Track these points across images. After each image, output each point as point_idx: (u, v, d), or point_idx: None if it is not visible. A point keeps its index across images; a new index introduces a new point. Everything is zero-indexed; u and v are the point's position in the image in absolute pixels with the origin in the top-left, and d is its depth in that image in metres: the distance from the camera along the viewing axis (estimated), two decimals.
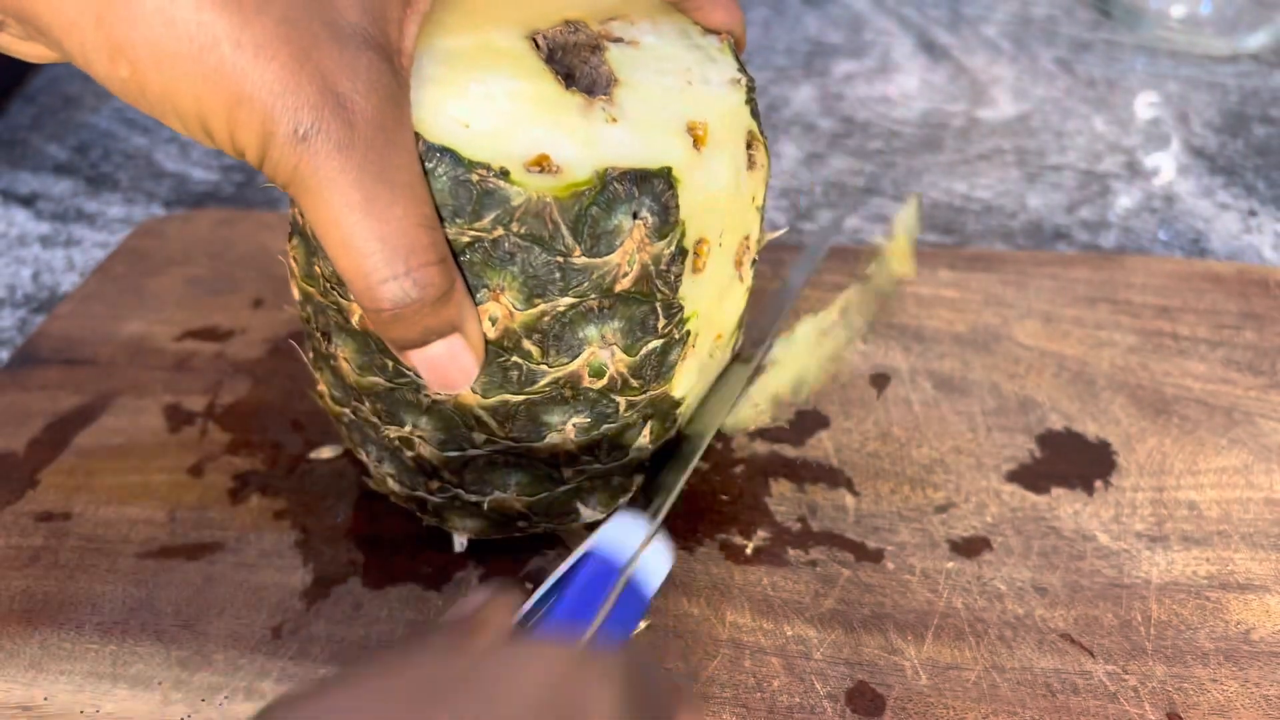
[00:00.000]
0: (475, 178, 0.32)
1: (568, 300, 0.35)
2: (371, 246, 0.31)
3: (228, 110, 0.30)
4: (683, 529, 0.46)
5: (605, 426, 0.39)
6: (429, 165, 0.32)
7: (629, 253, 0.35)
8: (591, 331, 0.36)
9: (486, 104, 0.33)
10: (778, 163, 0.71)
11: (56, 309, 0.59)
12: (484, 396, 0.37)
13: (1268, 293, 0.56)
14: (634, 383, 0.38)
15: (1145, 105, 0.75)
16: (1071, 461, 0.48)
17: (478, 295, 0.34)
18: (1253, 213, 0.66)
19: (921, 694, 0.39)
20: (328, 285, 0.37)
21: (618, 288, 0.35)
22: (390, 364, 0.38)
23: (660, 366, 0.38)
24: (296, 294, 0.41)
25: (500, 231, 0.33)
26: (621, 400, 0.38)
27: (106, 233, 0.70)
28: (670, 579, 0.43)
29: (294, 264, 0.40)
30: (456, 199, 0.33)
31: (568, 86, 0.35)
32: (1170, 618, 0.42)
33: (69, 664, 0.41)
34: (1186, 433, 0.49)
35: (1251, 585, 0.43)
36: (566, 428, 0.38)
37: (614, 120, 0.34)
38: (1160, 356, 0.53)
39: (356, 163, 0.30)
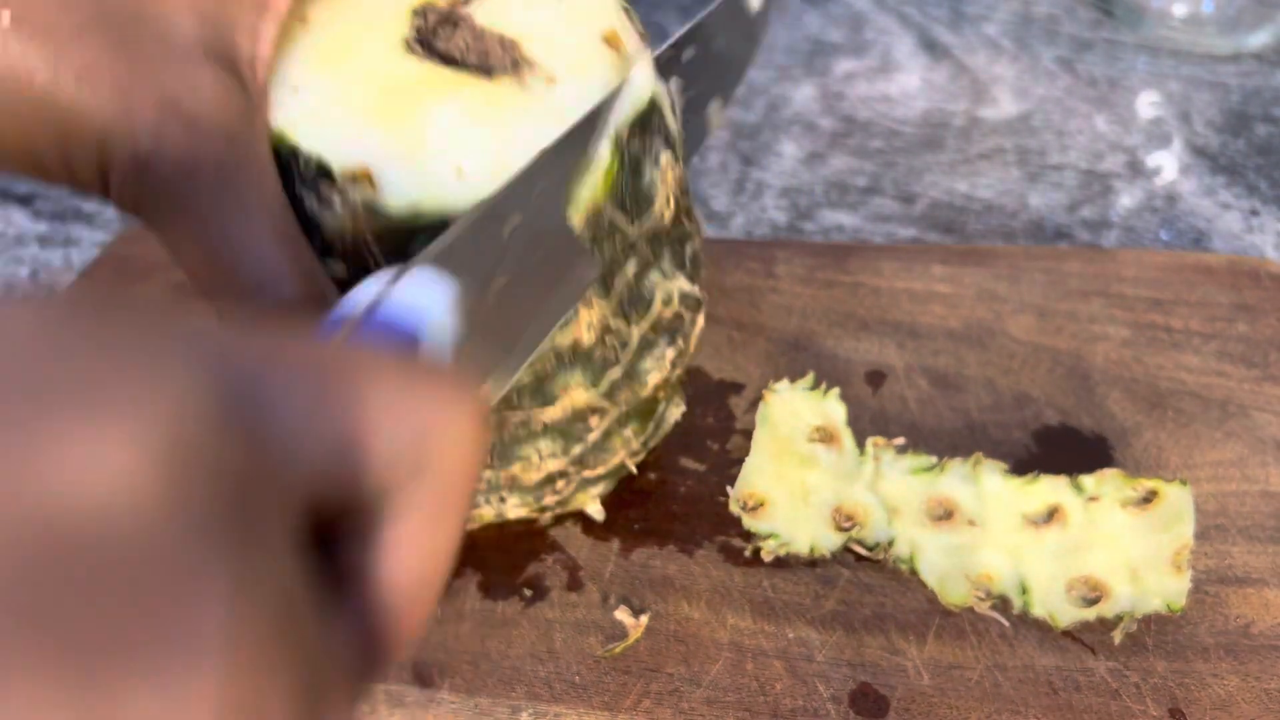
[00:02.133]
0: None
1: (633, 266, 0.37)
2: (223, 270, 0.29)
3: (59, 145, 0.28)
4: (681, 532, 0.45)
5: (678, 342, 0.41)
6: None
7: (664, 196, 0.36)
8: (655, 275, 0.38)
9: (457, 141, 0.32)
10: (778, 161, 0.71)
11: None
12: (594, 387, 0.38)
13: (1259, 284, 0.56)
14: (690, 290, 0.41)
15: (1147, 104, 0.74)
16: (1068, 456, 0.48)
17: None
18: (1255, 212, 0.66)
19: (924, 694, 0.39)
20: None
21: (662, 230, 0.37)
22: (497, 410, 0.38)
23: (696, 264, 0.42)
24: None
25: None
26: (685, 313, 0.41)
27: (104, 232, 0.69)
28: (669, 583, 0.43)
29: None
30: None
31: (489, 75, 0.33)
32: (1170, 613, 0.41)
33: None
34: (1182, 426, 0.49)
35: (1250, 579, 0.43)
36: (664, 362, 0.41)
37: (552, 80, 0.33)
38: (1154, 350, 0.53)
39: (206, 184, 0.28)
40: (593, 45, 0.34)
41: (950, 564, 0.42)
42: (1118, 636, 0.40)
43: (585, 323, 0.36)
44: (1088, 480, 0.42)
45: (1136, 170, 0.69)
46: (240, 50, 0.30)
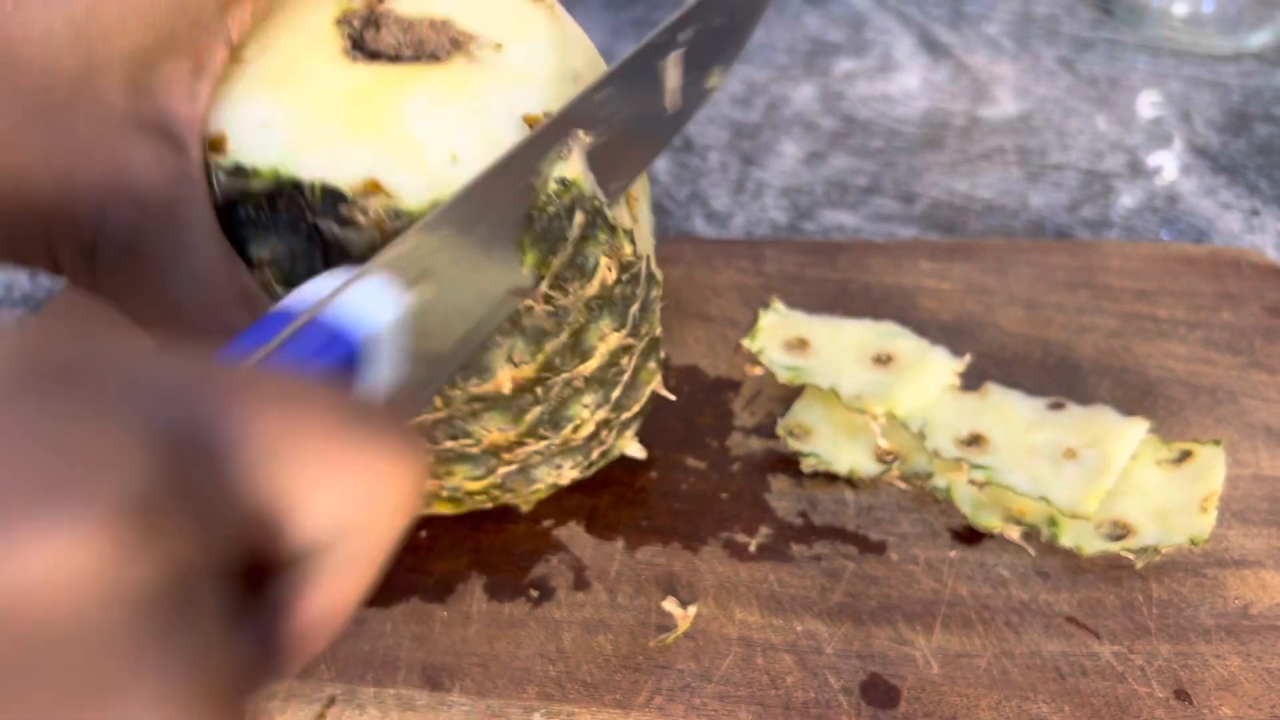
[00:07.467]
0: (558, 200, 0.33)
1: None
2: (179, 330, 0.30)
3: (8, 235, 0.29)
4: (685, 529, 0.45)
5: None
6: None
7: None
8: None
9: (439, 128, 0.32)
10: (779, 161, 0.71)
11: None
12: (623, 328, 0.38)
13: (1240, 273, 0.57)
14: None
15: (1147, 104, 0.75)
16: None
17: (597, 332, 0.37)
18: (1255, 212, 0.66)
19: (934, 683, 0.39)
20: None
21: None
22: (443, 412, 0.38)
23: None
24: None
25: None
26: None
27: None
28: (675, 580, 0.43)
29: None
30: (547, 232, 0.33)
31: (439, 60, 0.34)
32: (1170, 596, 0.42)
33: None
34: (1173, 414, 0.50)
35: (1246, 561, 0.43)
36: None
37: (498, 45, 0.34)
38: (1142, 339, 0.54)
39: (153, 254, 0.29)
40: (520, 6, 0.35)
41: (985, 495, 0.44)
42: (1139, 563, 0.42)
43: (606, 266, 0.36)
44: None
45: (1137, 170, 0.69)
46: (176, 113, 0.31)
